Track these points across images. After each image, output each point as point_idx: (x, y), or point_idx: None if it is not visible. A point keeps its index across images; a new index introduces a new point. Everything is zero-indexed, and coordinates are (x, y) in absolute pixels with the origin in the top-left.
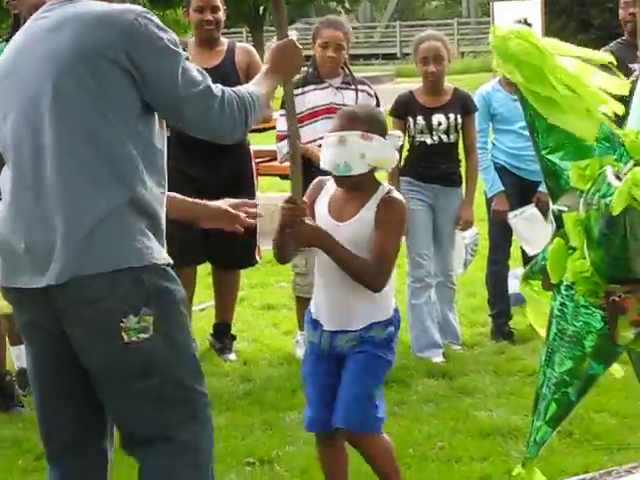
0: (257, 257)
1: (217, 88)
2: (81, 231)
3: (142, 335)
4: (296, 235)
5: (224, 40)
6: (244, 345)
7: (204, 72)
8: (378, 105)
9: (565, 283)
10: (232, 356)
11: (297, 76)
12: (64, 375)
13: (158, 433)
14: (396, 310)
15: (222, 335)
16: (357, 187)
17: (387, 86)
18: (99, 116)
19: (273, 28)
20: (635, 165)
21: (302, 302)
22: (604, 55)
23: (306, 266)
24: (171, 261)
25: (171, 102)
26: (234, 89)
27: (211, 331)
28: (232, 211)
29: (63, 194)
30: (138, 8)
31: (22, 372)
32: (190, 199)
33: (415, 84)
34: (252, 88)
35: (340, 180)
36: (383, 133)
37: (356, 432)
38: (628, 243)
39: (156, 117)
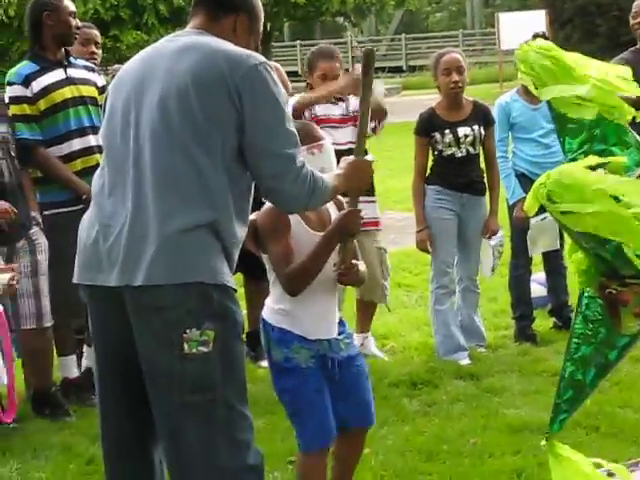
0: None
1: (300, 159)
2: (164, 242)
3: (202, 348)
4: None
5: None
6: None
7: (298, 139)
8: None
9: None
10: (265, 363)
11: None
12: (126, 378)
13: (199, 454)
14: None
15: (255, 343)
16: None
17: (394, 99)
18: (198, 141)
19: (278, 44)
20: None
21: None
22: (621, 68)
23: None
24: (236, 288)
25: (261, 152)
26: (313, 170)
27: (244, 340)
28: None
29: (155, 205)
30: (262, 57)
31: (66, 382)
32: None
33: (422, 96)
34: (327, 177)
35: None
36: None
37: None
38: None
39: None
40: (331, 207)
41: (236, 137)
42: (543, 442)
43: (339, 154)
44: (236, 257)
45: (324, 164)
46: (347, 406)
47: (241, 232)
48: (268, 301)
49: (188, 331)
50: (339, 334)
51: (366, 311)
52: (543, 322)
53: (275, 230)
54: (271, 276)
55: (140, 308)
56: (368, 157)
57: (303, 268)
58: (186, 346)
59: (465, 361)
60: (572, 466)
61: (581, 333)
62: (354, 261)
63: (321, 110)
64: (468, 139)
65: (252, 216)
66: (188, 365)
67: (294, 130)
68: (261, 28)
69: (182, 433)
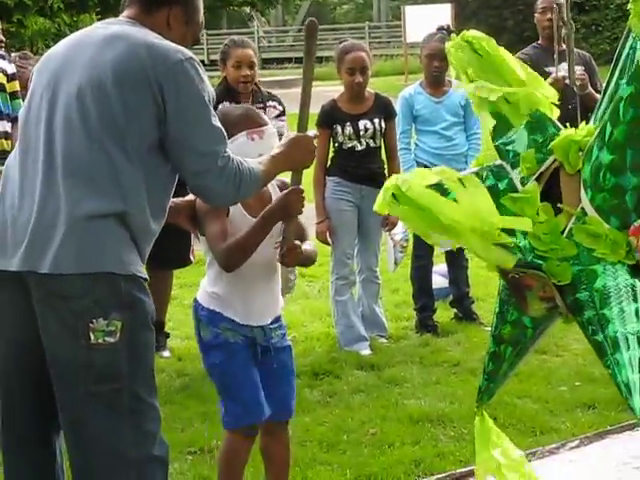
0: (191, 257)
1: (226, 154)
2: (73, 225)
3: (108, 339)
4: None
5: None
6: (177, 342)
7: (225, 135)
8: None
9: None
10: (166, 353)
11: None
12: (29, 369)
13: (103, 443)
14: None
15: (156, 333)
16: None
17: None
18: (114, 135)
19: None
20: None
21: None
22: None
23: None
24: (147, 277)
25: (186, 149)
26: (241, 160)
27: None
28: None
29: (66, 194)
30: (189, 53)
31: None
32: None
33: (328, 87)
34: (255, 165)
35: None
36: None
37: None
38: None
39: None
40: (271, 187)
41: (156, 132)
42: (476, 411)
43: None
44: (147, 250)
45: (263, 151)
46: (267, 398)
47: (155, 226)
48: (203, 283)
49: (95, 321)
50: (273, 323)
51: None
52: (444, 313)
53: (211, 210)
54: (208, 257)
55: (46, 296)
56: (309, 133)
57: (239, 243)
58: (92, 336)
59: (366, 351)
60: (494, 434)
61: (498, 312)
62: (297, 241)
63: None
64: (368, 132)
65: (190, 196)
66: (94, 355)
67: (219, 125)
68: (201, 19)
69: (86, 422)
